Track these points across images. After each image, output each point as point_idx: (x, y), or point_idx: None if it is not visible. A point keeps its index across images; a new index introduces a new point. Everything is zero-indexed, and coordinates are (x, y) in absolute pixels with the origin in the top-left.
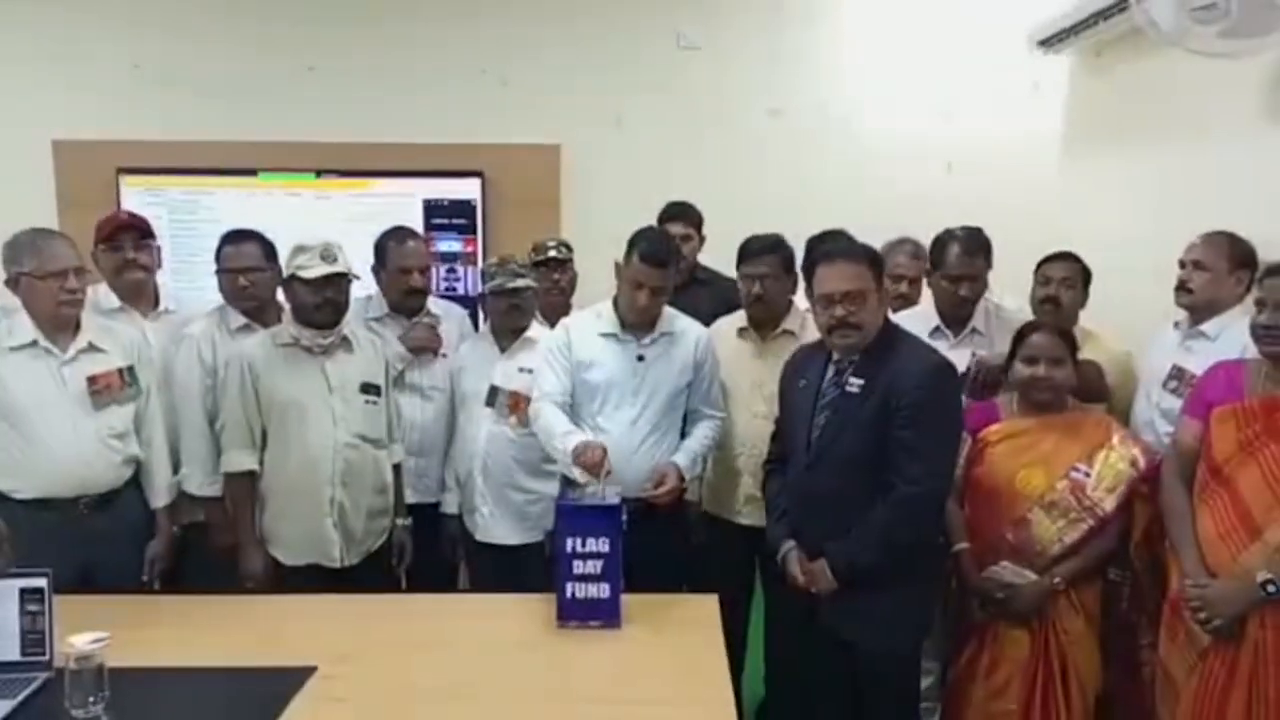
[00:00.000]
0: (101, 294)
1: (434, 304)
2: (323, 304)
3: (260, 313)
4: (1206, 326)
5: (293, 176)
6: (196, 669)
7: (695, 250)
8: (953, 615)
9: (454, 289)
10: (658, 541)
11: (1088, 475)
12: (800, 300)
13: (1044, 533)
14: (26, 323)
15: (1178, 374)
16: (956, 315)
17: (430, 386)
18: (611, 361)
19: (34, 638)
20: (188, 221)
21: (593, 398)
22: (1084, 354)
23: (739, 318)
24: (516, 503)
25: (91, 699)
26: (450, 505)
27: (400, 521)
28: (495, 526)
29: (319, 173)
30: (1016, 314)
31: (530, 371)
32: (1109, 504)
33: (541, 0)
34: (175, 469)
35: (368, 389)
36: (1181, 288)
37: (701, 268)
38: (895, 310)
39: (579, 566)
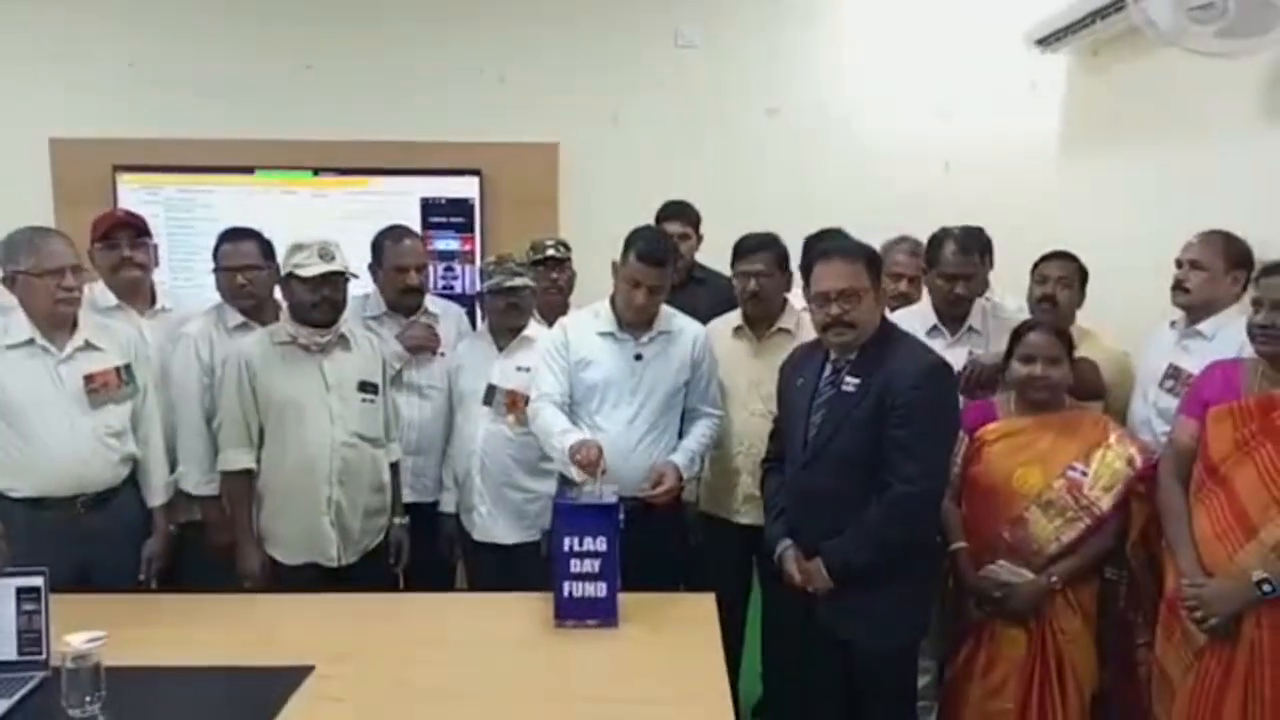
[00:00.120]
0: (98, 292)
1: (431, 302)
2: (320, 302)
3: (258, 311)
4: (1203, 326)
5: (290, 175)
6: (194, 668)
7: (693, 249)
8: (950, 614)
9: (451, 287)
10: (655, 541)
11: (1085, 474)
12: (796, 299)
13: (1041, 532)
14: (23, 321)
15: (1174, 373)
16: (953, 314)
17: (428, 385)
18: (609, 360)
19: (30, 637)
20: (184, 220)
21: (590, 397)
22: (1081, 353)
23: (734, 317)
24: (514, 501)
25: (88, 698)
26: (448, 504)
27: (398, 520)
28: (493, 525)
29: (316, 171)
30: (1015, 313)
31: (528, 370)
32: (1106, 503)
33: None
34: (172, 468)
35: (365, 387)
36: (1178, 287)
37: (699, 266)
38: (894, 309)
39: (576, 565)
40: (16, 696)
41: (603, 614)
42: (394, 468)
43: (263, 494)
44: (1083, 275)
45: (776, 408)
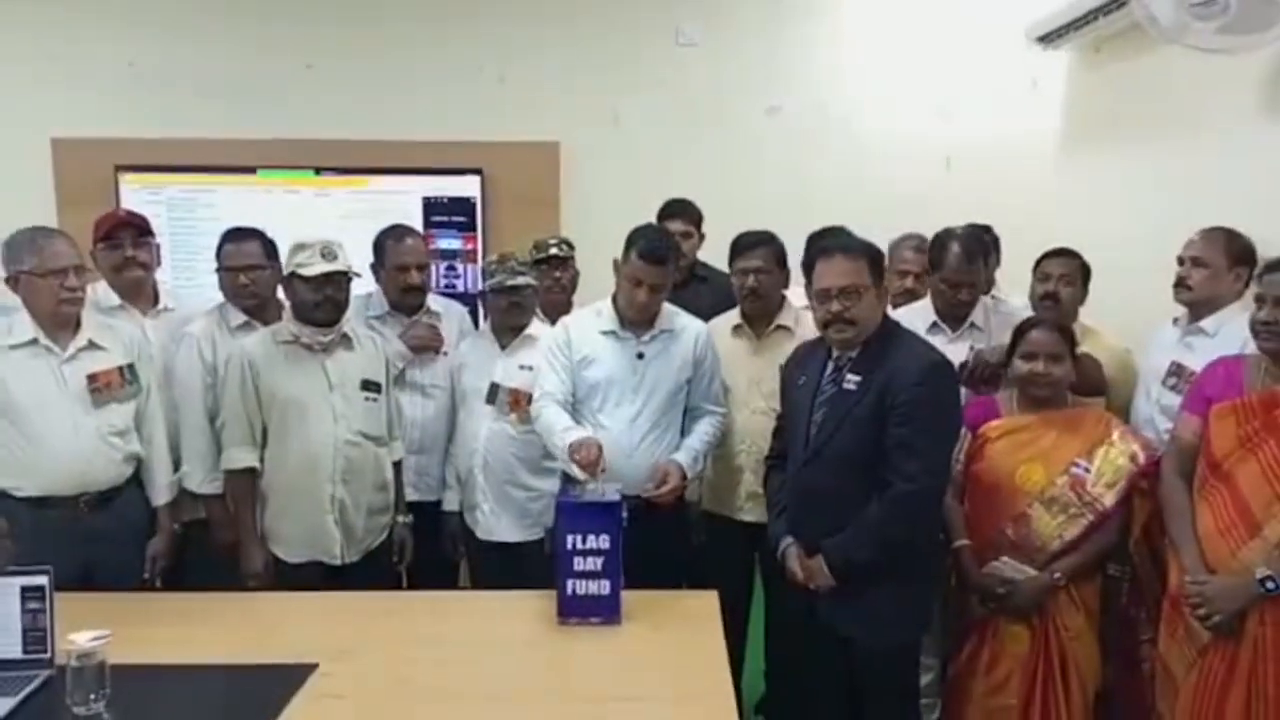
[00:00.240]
0: (101, 292)
1: (434, 301)
2: (323, 301)
3: (260, 310)
4: (1205, 323)
5: (292, 174)
6: (197, 666)
7: (695, 247)
8: (953, 611)
9: (453, 286)
10: (658, 539)
11: (1087, 471)
12: (795, 296)
13: (1044, 528)
14: (26, 321)
15: (1177, 370)
16: (955, 315)
17: (431, 384)
18: (611, 359)
19: (35, 635)
20: (187, 219)
21: (593, 395)
22: (1083, 350)
23: (733, 316)
24: (517, 500)
25: (93, 696)
26: (451, 503)
27: (401, 519)
28: (496, 524)
29: (318, 170)
30: (1018, 309)
31: (531, 369)
32: (1109, 499)
33: None
34: (176, 467)
35: (368, 386)
36: (1180, 284)
37: (701, 265)
38: (901, 305)
39: (579, 563)
40: (22, 695)
41: (606, 612)
42: (397, 466)
43: (266, 493)
44: (1085, 272)
45: (779, 405)
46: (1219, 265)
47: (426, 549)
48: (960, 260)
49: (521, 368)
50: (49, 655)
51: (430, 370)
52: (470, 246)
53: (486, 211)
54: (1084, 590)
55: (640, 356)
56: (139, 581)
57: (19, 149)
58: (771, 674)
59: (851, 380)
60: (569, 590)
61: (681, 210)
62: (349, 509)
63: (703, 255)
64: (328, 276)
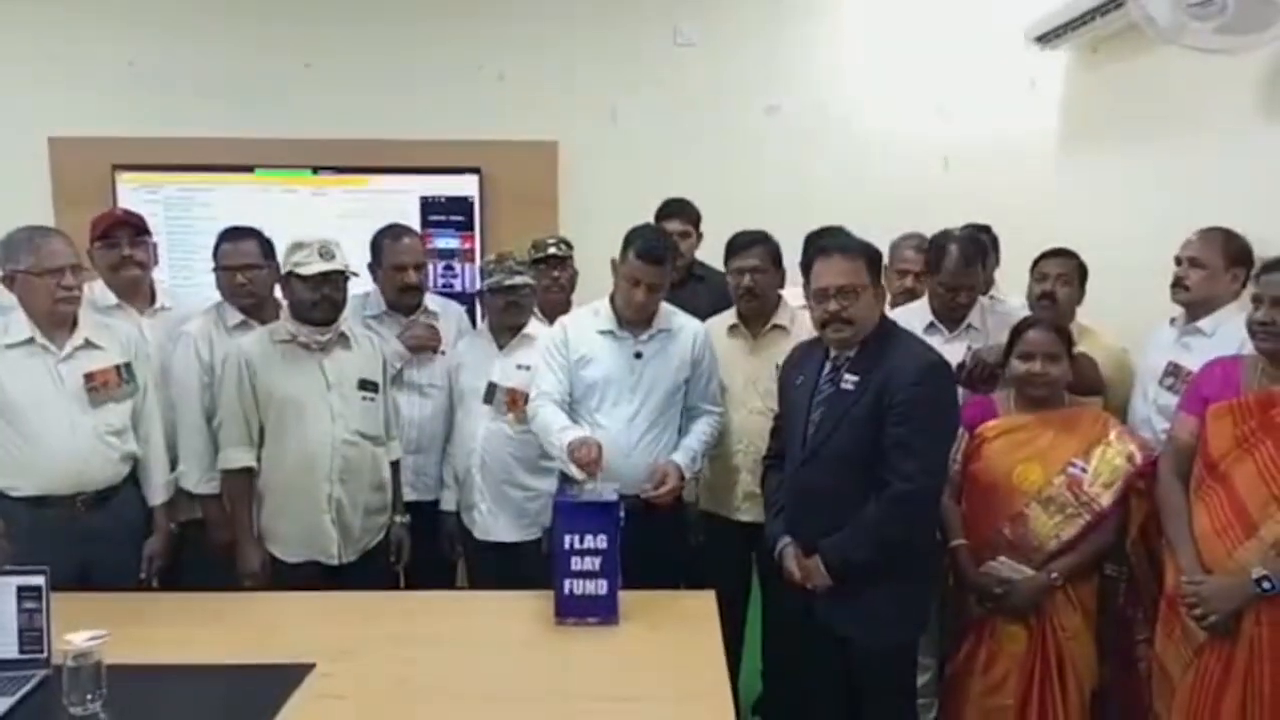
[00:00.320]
0: (98, 291)
1: (431, 301)
2: (320, 301)
3: (258, 310)
4: (1203, 323)
5: (289, 173)
6: (194, 666)
7: (694, 247)
8: (950, 611)
9: (451, 286)
10: (655, 539)
11: (1085, 471)
12: (791, 296)
13: (1041, 528)
14: (23, 320)
15: (1174, 371)
16: (952, 315)
17: (428, 384)
18: (609, 358)
19: (32, 635)
20: (184, 218)
21: (590, 395)
22: (1080, 350)
23: (729, 316)
24: (515, 499)
25: (89, 696)
26: (448, 502)
27: (398, 519)
28: (493, 523)
29: (316, 169)
30: (1015, 309)
31: (528, 368)
32: (1106, 499)
33: None
34: (173, 466)
35: (365, 385)
36: (1178, 284)
37: (699, 264)
38: (901, 304)
39: (577, 563)
40: (18, 695)
41: (603, 612)
42: (394, 466)
43: (263, 492)
44: (1082, 272)
45: (776, 405)
46: (1216, 266)
47: (424, 549)
48: (958, 263)
49: (519, 367)
50: (45, 655)
51: (428, 370)
52: (468, 246)
53: (484, 211)
54: (1081, 590)
55: (638, 356)
56: (136, 581)
57: (16, 148)
58: (769, 674)
59: (849, 380)
60: (566, 590)
61: (680, 210)
62: (346, 508)
63: (701, 254)
64: (325, 276)
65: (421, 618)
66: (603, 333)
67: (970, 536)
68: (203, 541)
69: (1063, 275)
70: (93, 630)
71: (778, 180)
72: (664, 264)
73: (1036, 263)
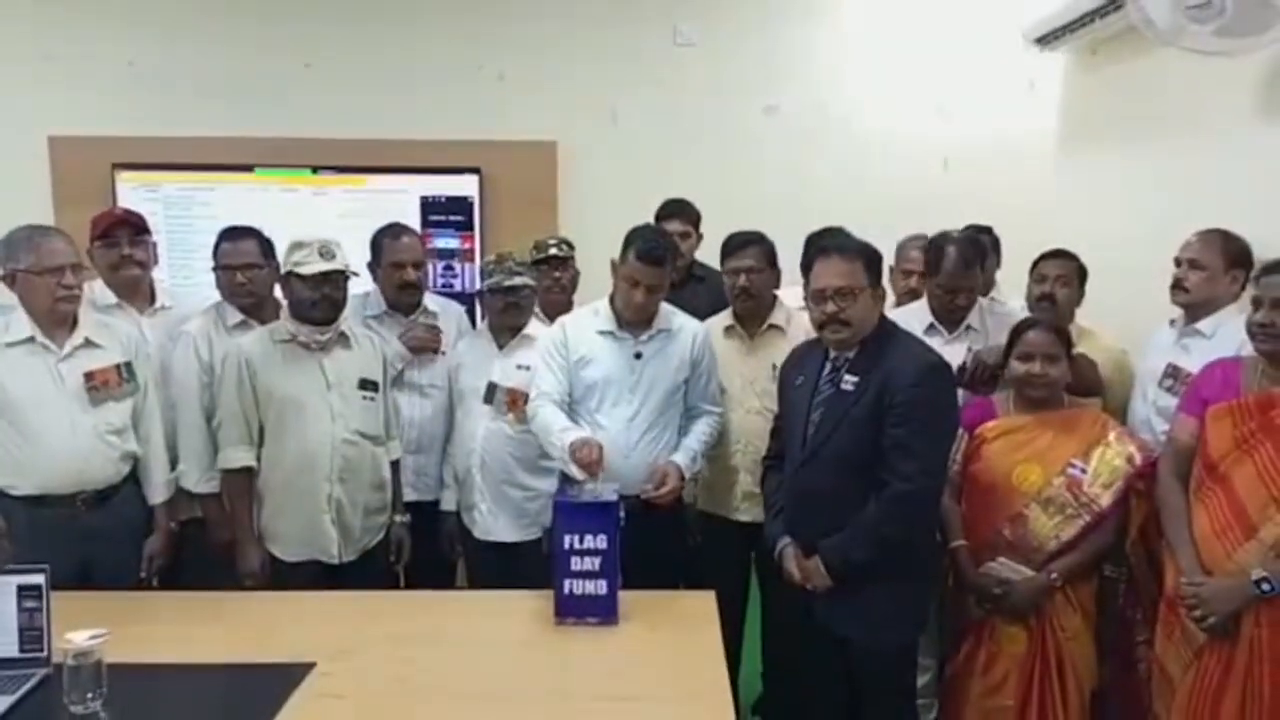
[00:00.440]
0: (98, 290)
1: (431, 301)
2: (320, 300)
3: (258, 309)
4: (1202, 325)
5: (289, 173)
6: (195, 665)
7: (693, 247)
8: (950, 612)
9: (451, 286)
10: (654, 539)
11: (1084, 471)
12: (787, 296)
13: (1040, 529)
14: (23, 319)
15: (1173, 372)
16: (951, 317)
17: (428, 384)
18: (608, 359)
19: (32, 634)
20: (184, 218)
21: (590, 395)
22: (1080, 351)
23: (725, 316)
24: (514, 499)
25: (90, 695)
26: (448, 502)
27: (398, 518)
28: (493, 523)
29: (316, 169)
30: (1015, 311)
31: (528, 369)
32: (1105, 500)
33: None
34: (173, 465)
35: (366, 385)
36: (1177, 286)
37: (699, 265)
38: (906, 304)
39: (577, 563)
40: (18, 694)
41: (603, 612)
42: (394, 466)
43: (263, 492)
44: (1081, 274)
45: (774, 405)
46: (1215, 267)
47: (424, 548)
48: (957, 265)
49: (519, 367)
50: (46, 654)
51: (428, 370)
52: (468, 246)
53: (484, 211)
54: (1080, 591)
55: (638, 356)
56: (136, 580)
57: (16, 147)
58: (768, 674)
59: (849, 381)
60: (566, 590)
61: (680, 210)
62: (346, 508)
63: (701, 255)
64: (325, 275)
65: (421, 617)
66: (602, 333)
67: (970, 537)
68: (203, 541)
69: (1062, 276)
70: (93, 629)
71: (777, 180)
72: (663, 265)
73: (1036, 264)
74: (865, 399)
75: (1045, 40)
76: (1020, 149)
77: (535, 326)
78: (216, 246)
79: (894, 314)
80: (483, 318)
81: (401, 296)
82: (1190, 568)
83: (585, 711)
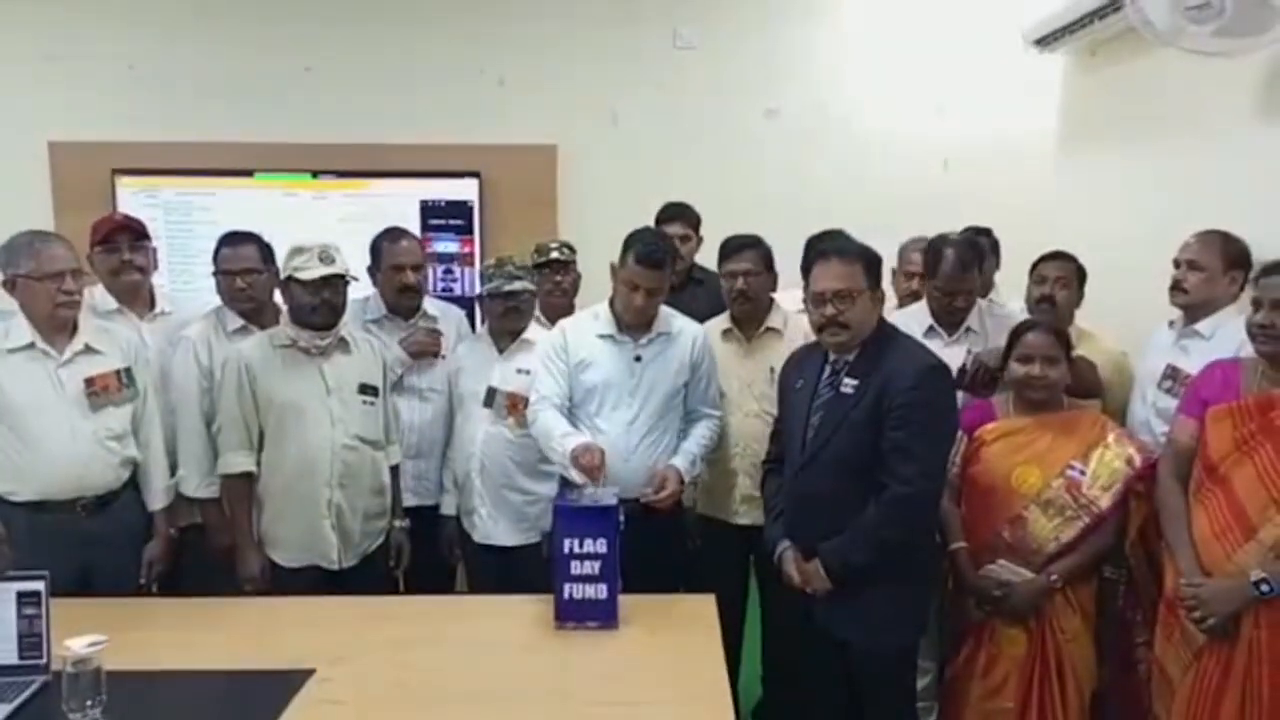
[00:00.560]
0: (98, 296)
1: (431, 305)
2: (320, 305)
3: (257, 314)
4: (1201, 326)
5: (289, 177)
6: (194, 672)
7: (694, 251)
8: (950, 614)
9: (451, 290)
10: (654, 543)
11: (1083, 473)
12: (785, 299)
13: (1040, 531)
14: (24, 324)
15: (1173, 373)
16: (950, 319)
17: (428, 388)
18: (608, 362)
19: (31, 641)
20: (184, 223)
21: (590, 399)
22: (1079, 353)
23: (722, 320)
24: (514, 504)
25: (89, 702)
26: (448, 507)
27: (398, 523)
28: (493, 527)
29: (316, 173)
30: (1014, 313)
31: (528, 373)
32: (1105, 502)
33: (539, 0)
34: (173, 471)
35: (365, 390)
36: (1176, 287)
37: (699, 268)
38: (908, 305)
39: (577, 567)
40: (17, 701)
41: (603, 616)
42: (394, 470)
43: (263, 497)
44: (1081, 275)
45: (772, 408)
46: (1215, 268)
47: (424, 553)
48: (955, 268)
49: (519, 372)
50: (45, 661)
51: (428, 374)
52: (468, 250)
53: (484, 215)
54: (1080, 593)
55: (638, 360)
56: (136, 586)
57: (16, 152)
58: (768, 678)
59: (848, 384)
60: (566, 594)
61: (680, 213)
62: (346, 513)
63: (701, 258)
64: (325, 280)
65: (421, 622)
66: (602, 336)
67: (969, 539)
68: (202, 546)
69: (1061, 278)
70: (92, 636)
71: (778, 182)
72: (663, 269)
73: (1035, 265)
74: (865, 402)
75: (1045, 41)
76: (1020, 149)
77: (535, 330)
78: (216, 251)
79: (894, 316)
80: (482, 322)
81: (401, 300)
82: (1190, 569)
83: (585, 716)
